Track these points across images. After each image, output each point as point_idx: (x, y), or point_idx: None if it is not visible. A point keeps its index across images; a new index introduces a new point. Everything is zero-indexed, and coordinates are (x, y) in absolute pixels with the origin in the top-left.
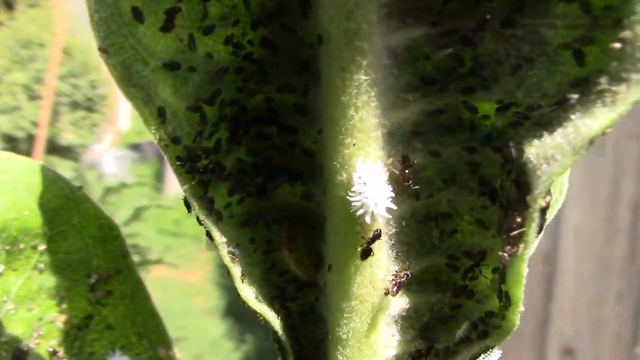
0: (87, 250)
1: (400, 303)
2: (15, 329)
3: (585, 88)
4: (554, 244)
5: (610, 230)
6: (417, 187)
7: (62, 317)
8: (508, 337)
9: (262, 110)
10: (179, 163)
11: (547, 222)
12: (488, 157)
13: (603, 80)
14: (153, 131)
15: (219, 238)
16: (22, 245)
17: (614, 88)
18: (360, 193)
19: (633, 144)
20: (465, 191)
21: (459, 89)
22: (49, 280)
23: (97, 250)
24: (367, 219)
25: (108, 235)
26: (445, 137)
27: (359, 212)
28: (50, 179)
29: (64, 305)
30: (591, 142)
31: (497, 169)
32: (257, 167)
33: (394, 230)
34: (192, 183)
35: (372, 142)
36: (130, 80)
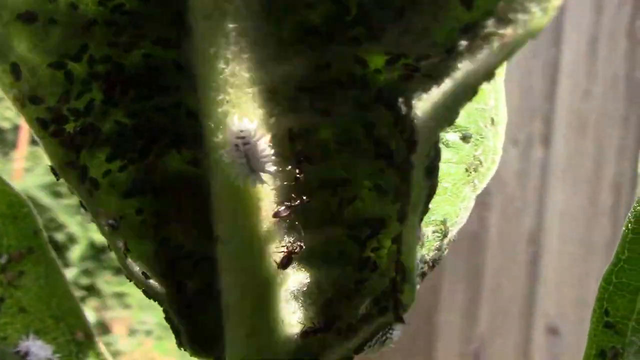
0: None
1: (299, 278)
2: None
3: (474, 33)
4: (538, 225)
5: (592, 212)
6: (309, 149)
7: None
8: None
9: (141, 67)
10: (40, 126)
11: (478, 191)
12: (381, 115)
13: (490, 23)
14: (7, 90)
15: (95, 209)
16: None
17: (500, 31)
18: (236, 156)
19: (615, 126)
20: (362, 154)
21: (345, 40)
22: None
23: (8, 228)
24: (241, 183)
25: (19, 212)
26: (336, 94)
27: (231, 176)
28: None
29: None
30: (475, 92)
31: (391, 128)
32: (139, 131)
33: (286, 198)
34: (60, 148)
35: (249, 99)
36: None
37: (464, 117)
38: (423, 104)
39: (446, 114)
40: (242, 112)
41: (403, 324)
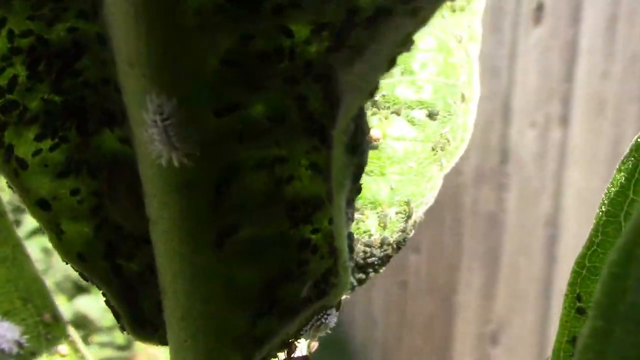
0: None
1: (240, 261)
2: None
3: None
4: (555, 207)
5: None
6: (239, 127)
7: None
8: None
9: (67, 42)
10: None
11: (446, 170)
12: (312, 89)
13: None
14: None
15: (23, 189)
16: None
17: None
18: (153, 131)
19: (633, 106)
20: (297, 131)
21: (269, 9)
22: None
23: None
24: (164, 162)
25: None
26: (264, 68)
27: (153, 154)
28: None
29: None
30: (393, 62)
31: (321, 103)
32: (68, 109)
33: (216, 176)
34: None
35: (167, 74)
36: None
37: (430, 93)
38: (346, 77)
39: (362, 85)
40: (160, 87)
41: (338, 309)
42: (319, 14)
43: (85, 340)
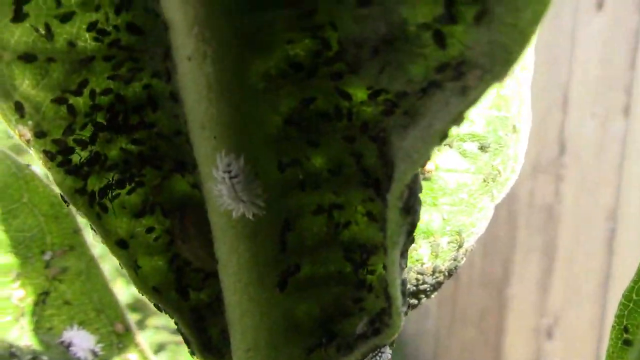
0: (40, 228)
1: (301, 296)
2: None
3: (446, 74)
4: (616, 200)
5: None
6: (301, 177)
7: (18, 294)
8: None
9: (142, 97)
10: (47, 157)
11: (497, 200)
12: (368, 147)
13: (459, 65)
14: (12, 126)
15: (105, 230)
16: None
17: (468, 74)
18: (222, 187)
19: None
20: (353, 182)
21: (328, 75)
22: (2, 258)
23: (51, 227)
24: (234, 214)
25: (60, 212)
26: (323, 126)
27: (221, 207)
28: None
29: (19, 282)
30: (444, 136)
31: (376, 160)
32: (143, 157)
33: (281, 223)
34: (67, 176)
35: (235, 135)
36: None
37: (482, 125)
38: (399, 143)
39: (415, 157)
40: (229, 147)
41: (392, 347)
42: (375, 81)
43: (142, 323)
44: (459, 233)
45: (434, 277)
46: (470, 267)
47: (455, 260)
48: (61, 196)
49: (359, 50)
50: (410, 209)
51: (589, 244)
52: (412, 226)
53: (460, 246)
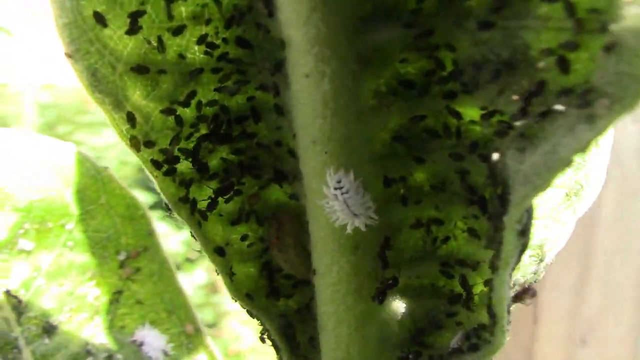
0: (115, 229)
1: (394, 307)
2: (45, 303)
3: (570, 100)
4: None
5: None
6: (403, 192)
7: (94, 292)
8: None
9: (245, 109)
10: (154, 166)
11: (579, 214)
12: (476, 165)
13: (586, 92)
14: (124, 136)
15: (204, 238)
16: (50, 224)
17: (596, 103)
18: (334, 203)
19: None
20: (456, 198)
21: (440, 94)
22: (79, 257)
23: (126, 228)
24: (349, 228)
25: (135, 214)
26: (431, 143)
27: (336, 223)
28: (77, 159)
29: (95, 281)
30: (568, 163)
31: (485, 179)
32: (243, 167)
33: (382, 236)
34: (172, 184)
35: (346, 150)
36: (98, 86)
37: None
38: (517, 165)
39: (538, 182)
40: (339, 162)
41: None
42: (490, 102)
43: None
44: (541, 247)
45: (514, 290)
46: None
47: (535, 274)
48: (165, 204)
49: (477, 71)
50: (526, 231)
51: (627, 250)
52: (524, 247)
53: (541, 260)
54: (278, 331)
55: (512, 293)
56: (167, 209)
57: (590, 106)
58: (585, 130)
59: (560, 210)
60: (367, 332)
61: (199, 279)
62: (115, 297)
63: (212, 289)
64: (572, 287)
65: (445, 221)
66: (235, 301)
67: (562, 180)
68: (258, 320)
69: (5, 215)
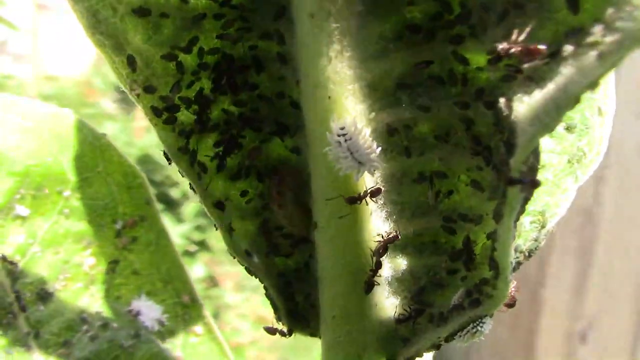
0: (112, 197)
1: (394, 264)
2: (41, 271)
3: (580, 39)
4: None
5: None
6: (407, 143)
7: (89, 261)
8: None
9: (248, 58)
10: (154, 113)
11: (580, 182)
12: (481, 113)
13: (597, 30)
14: (123, 80)
15: (203, 191)
16: (47, 190)
17: (606, 39)
18: (338, 150)
19: None
20: (460, 150)
21: (447, 38)
22: (75, 225)
23: (123, 197)
24: (356, 177)
25: (133, 182)
26: (435, 91)
27: (339, 171)
28: (75, 126)
29: (91, 250)
30: (577, 100)
31: (490, 128)
32: (244, 119)
33: (383, 188)
34: (171, 134)
35: (350, 96)
36: (98, 27)
37: None
38: (524, 107)
39: (546, 121)
40: (343, 108)
41: (492, 316)
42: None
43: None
44: (542, 213)
45: (515, 257)
46: None
47: (536, 240)
48: (164, 153)
49: (485, 13)
50: (532, 176)
51: (627, 248)
52: (530, 194)
53: (542, 226)
54: (276, 290)
55: (514, 260)
56: (167, 159)
57: (601, 44)
58: (595, 67)
59: (562, 176)
60: (364, 290)
61: (198, 272)
62: (112, 267)
63: (211, 282)
64: (573, 285)
65: (448, 174)
66: (234, 257)
67: (564, 147)
68: (257, 278)
69: (1, 179)
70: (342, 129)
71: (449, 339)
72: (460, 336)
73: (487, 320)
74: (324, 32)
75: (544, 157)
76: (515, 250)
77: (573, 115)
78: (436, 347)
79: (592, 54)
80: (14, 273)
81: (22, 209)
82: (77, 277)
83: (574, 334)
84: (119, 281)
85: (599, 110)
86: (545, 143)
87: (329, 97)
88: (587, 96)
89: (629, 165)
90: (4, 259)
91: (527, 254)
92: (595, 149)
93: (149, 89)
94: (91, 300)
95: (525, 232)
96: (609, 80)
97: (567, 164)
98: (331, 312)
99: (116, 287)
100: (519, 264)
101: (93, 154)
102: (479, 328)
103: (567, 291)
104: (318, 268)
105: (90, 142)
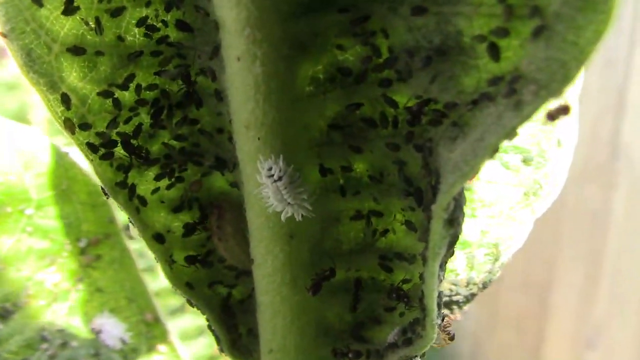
0: (76, 215)
1: (331, 300)
2: (2, 288)
3: (499, 88)
4: None
5: None
6: (342, 182)
7: (53, 278)
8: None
9: (186, 94)
10: (90, 150)
11: (537, 215)
12: (412, 155)
13: (514, 79)
14: (58, 118)
15: (142, 224)
16: (9, 209)
17: (524, 90)
18: (267, 190)
19: None
20: (394, 190)
21: (376, 81)
22: (39, 242)
23: (87, 215)
24: (283, 217)
25: (97, 201)
26: (367, 132)
27: (269, 209)
28: (40, 144)
29: (54, 267)
30: (495, 150)
31: (420, 170)
32: (184, 153)
33: (318, 227)
34: (109, 169)
35: (279, 137)
36: (33, 66)
37: (526, 138)
38: (447, 154)
39: (465, 169)
40: (272, 149)
41: (422, 358)
42: (424, 90)
43: (183, 307)
44: (496, 246)
45: (468, 288)
46: (513, 270)
47: (490, 272)
48: (101, 188)
49: (410, 58)
50: (454, 221)
51: (637, 253)
52: (454, 238)
53: (496, 259)
54: (219, 322)
55: (467, 292)
56: (104, 193)
57: (518, 93)
58: (512, 117)
59: (518, 209)
60: (303, 324)
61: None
62: (75, 285)
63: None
64: (581, 291)
65: (384, 213)
66: (175, 290)
67: (520, 179)
68: (199, 309)
69: None
70: (270, 169)
71: None
72: None
73: None
74: (251, 74)
75: (498, 190)
76: (469, 283)
77: (530, 148)
78: None
79: (510, 104)
80: None
81: None
82: (40, 294)
83: (581, 339)
84: (83, 298)
85: (558, 141)
86: (500, 175)
87: (258, 138)
88: (545, 129)
89: (638, 171)
90: None
91: (480, 285)
92: (552, 181)
93: (84, 126)
94: (53, 317)
95: (479, 264)
96: (572, 111)
97: (523, 196)
98: (270, 345)
99: (80, 304)
100: (472, 295)
101: (58, 172)
102: None
103: (575, 297)
104: (257, 302)
105: (55, 161)
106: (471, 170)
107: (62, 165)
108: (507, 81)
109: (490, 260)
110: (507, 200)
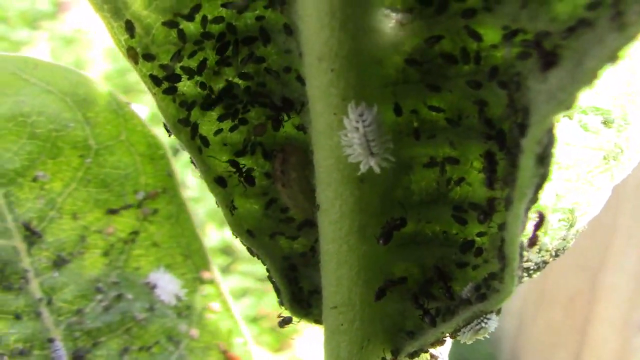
0: (135, 167)
1: (400, 253)
2: (58, 237)
3: (600, 12)
4: None
5: None
6: (417, 125)
7: (109, 230)
8: None
9: (254, 30)
10: (153, 82)
11: (616, 181)
12: (495, 94)
13: (617, 1)
14: (121, 47)
15: (204, 165)
16: (68, 157)
17: (628, 10)
18: (353, 136)
19: None
20: (473, 134)
21: (459, 11)
22: (96, 192)
23: (146, 167)
24: (363, 167)
25: (156, 153)
26: (447, 69)
27: (349, 158)
28: (99, 93)
29: (111, 218)
30: (595, 76)
31: (504, 109)
32: (249, 93)
33: (390, 172)
34: (172, 104)
35: (354, 70)
36: None
37: (609, 99)
38: (538, 85)
39: (562, 97)
40: (346, 81)
41: (498, 314)
42: (513, 20)
43: (229, 267)
44: (572, 211)
45: (540, 255)
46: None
47: (564, 239)
48: (164, 125)
49: None
50: (545, 159)
51: None
52: (542, 180)
53: (571, 225)
54: (280, 274)
55: (538, 258)
56: (166, 130)
57: (623, 15)
58: (615, 39)
59: (596, 173)
60: (369, 277)
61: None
62: (132, 237)
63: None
64: (635, 274)
65: (460, 160)
66: (236, 237)
67: (600, 142)
68: (259, 259)
69: (22, 143)
70: (361, 115)
71: (452, 334)
72: (464, 332)
73: (493, 317)
74: (327, 0)
75: (576, 153)
76: (541, 249)
77: (612, 109)
78: (440, 342)
79: (613, 24)
80: (31, 238)
81: (42, 174)
82: (95, 245)
83: (631, 323)
84: (139, 252)
85: None
86: (579, 137)
87: (332, 70)
88: (629, 91)
89: None
90: (21, 223)
91: (554, 253)
92: (634, 145)
93: (148, 57)
94: (108, 269)
95: (553, 230)
96: None
97: (602, 160)
98: (334, 299)
99: (135, 258)
100: (545, 262)
101: (116, 122)
102: (484, 325)
103: (629, 279)
104: (321, 252)
105: (113, 110)
106: (568, 98)
107: (121, 116)
108: (610, 4)
109: (565, 226)
110: (585, 163)
